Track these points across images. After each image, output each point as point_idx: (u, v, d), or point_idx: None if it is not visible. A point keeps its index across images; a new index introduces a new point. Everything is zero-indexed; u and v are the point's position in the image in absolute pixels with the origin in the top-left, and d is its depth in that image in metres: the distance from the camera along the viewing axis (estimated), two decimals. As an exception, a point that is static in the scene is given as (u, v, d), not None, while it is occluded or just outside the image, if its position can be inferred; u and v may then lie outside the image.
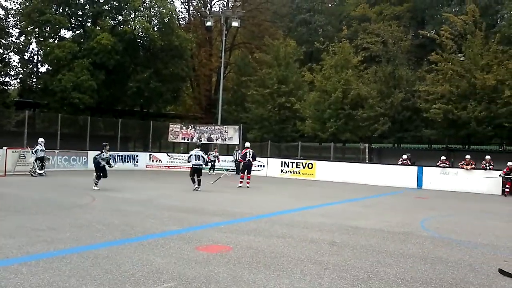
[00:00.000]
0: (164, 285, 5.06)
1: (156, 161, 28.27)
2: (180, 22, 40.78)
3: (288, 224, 9.49)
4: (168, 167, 27.95)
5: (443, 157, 22.20)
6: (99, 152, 15.66)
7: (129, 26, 30.77)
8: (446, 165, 21.91)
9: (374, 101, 28.90)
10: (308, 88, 33.25)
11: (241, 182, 18.16)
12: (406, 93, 29.85)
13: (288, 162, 26.22)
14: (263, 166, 26.67)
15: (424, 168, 22.19)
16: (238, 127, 29.42)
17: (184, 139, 29.83)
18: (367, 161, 26.28)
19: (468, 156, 21.42)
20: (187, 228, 8.63)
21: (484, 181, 20.17)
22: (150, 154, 28.59)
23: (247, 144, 19.42)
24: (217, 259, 6.27)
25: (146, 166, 27.77)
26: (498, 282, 5.67)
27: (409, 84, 30.56)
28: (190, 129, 29.74)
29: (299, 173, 25.64)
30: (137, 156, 28.06)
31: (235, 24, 31.87)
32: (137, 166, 27.45)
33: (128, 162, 27.13)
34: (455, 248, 7.77)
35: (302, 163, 25.73)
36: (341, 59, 30.11)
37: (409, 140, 31.06)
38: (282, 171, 26.19)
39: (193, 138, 29.15)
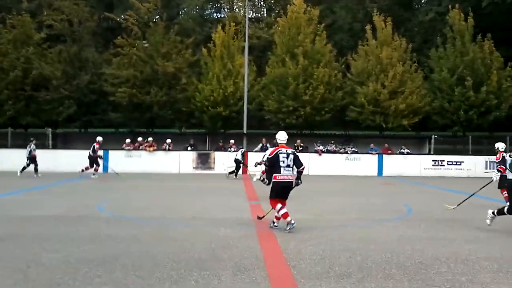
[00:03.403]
0: None
1: None
2: None
3: None
4: None
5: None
6: None
7: None
8: (131, 148, 22.90)
9: (59, 82, 27.43)
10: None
11: None
12: (93, 75, 29.45)
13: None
14: None
15: (109, 151, 22.54)
16: None
17: None
18: (50, 147, 24.78)
19: (150, 139, 22.95)
20: None
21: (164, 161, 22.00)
22: None
23: None
24: None
25: None
26: (157, 250, 6.25)
27: (95, 67, 30.21)
28: None
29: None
30: None
31: None
32: None
33: None
34: (126, 225, 8.20)
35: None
36: (21, 34, 27.31)
37: (96, 123, 30.85)
38: None
39: None
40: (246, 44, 26.46)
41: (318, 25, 28.09)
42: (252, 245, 6.52)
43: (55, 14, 32.20)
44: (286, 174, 7.52)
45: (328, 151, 23.93)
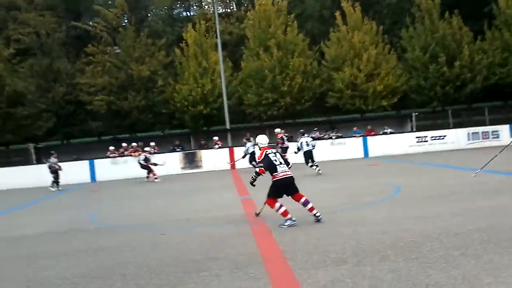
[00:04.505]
0: None
1: None
2: None
3: None
4: None
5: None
6: None
7: None
8: (116, 155, 22.72)
9: (34, 96, 27.07)
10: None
11: None
12: (68, 86, 29.12)
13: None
14: None
15: (95, 160, 22.35)
16: None
17: None
18: (34, 162, 24.44)
19: (134, 144, 22.80)
20: None
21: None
22: None
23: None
24: None
25: None
26: (152, 256, 6.26)
27: (69, 77, 29.86)
28: None
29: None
30: None
31: None
32: None
33: None
34: (120, 234, 8.16)
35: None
36: (-11, 52, 26.81)
37: (77, 134, 30.54)
38: None
39: None
40: (219, 41, 26.41)
41: (288, 16, 28.16)
42: (247, 242, 6.57)
43: (21, 27, 31.67)
44: (283, 170, 7.51)
45: (312, 139, 24.03)
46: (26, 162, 24.91)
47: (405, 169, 16.53)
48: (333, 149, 23.39)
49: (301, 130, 18.84)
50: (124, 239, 7.58)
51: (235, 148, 23.03)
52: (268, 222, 7.77)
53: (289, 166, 7.80)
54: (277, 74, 26.26)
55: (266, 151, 7.66)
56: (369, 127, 25.13)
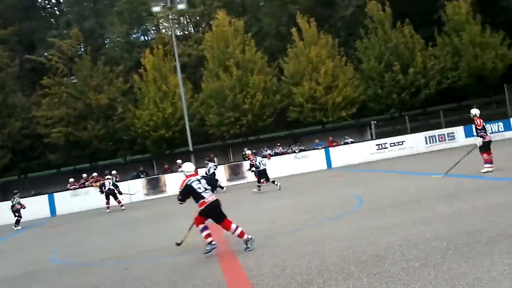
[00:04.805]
0: None
1: None
2: None
3: None
4: None
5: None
6: None
7: None
8: (76, 186, 22.14)
9: (-12, 133, 26.20)
10: None
11: None
12: (23, 120, 28.31)
13: None
14: None
15: (55, 194, 21.69)
16: None
17: None
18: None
19: (95, 174, 22.30)
20: None
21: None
22: None
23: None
24: None
25: None
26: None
27: (25, 111, 29.05)
28: None
29: None
30: None
31: None
32: None
33: None
34: (84, 272, 7.85)
35: None
36: None
37: (35, 168, 29.65)
38: None
39: None
40: (177, 64, 26.36)
41: (246, 35, 28.46)
42: (213, 269, 6.47)
43: (-28, 62, 30.68)
44: (208, 195, 7.48)
45: (276, 154, 24.21)
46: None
47: (366, 178, 16.77)
48: (297, 163, 23.59)
49: (253, 151, 19.54)
50: (87, 278, 7.31)
51: (198, 170, 22.79)
52: (233, 247, 7.69)
53: (217, 183, 7.84)
54: (237, 93, 26.38)
55: (190, 179, 7.62)
56: (330, 138, 25.50)
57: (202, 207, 7.41)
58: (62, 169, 30.46)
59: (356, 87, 27.59)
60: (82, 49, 31.62)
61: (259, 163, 16.90)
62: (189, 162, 8.16)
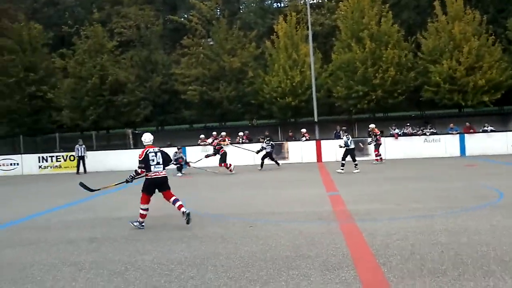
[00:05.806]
0: None
1: None
2: None
3: (42, 228, 8.73)
4: None
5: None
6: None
7: None
8: (206, 143, 23.44)
9: (133, 86, 28.91)
10: (62, 75, 30.90)
11: None
12: (164, 76, 30.67)
13: (47, 157, 24.12)
14: (17, 164, 23.95)
15: (187, 147, 23.23)
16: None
17: None
18: (132, 147, 26.14)
19: (223, 133, 23.35)
20: None
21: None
22: None
23: None
24: None
25: None
26: (243, 249, 6.37)
27: (165, 68, 31.43)
28: None
29: (60, 167, 23.87)
30: None
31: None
32: None
33: None
34: (211, 223, 8.36)
35: (63, 156, 24.01)
36: (95, 44, 28.97)
37: (171, 122, 32.15)
38: (40, 167, 23.95)
39: None
40: (310, 33, 26.08)
41: (383, 6, 27.07)
42: (337, 241, 6.45)
43: (123, 21, 33.76)
44: (156, 171, 7.99)
45: (404, 134, 23.11)
46: (124, 146, 26.81)
47: (507, 171, 15.26)
48: (427, 146, 22.31)
49: (344, 128, 20.10)
50: (215, 229, 7.77)
51: (322, 141, 22.79)
52: (358, 222, 7.58)
53: (170, 163, 8.42)
54: (369, 66, 25.46)
55: (148, 150, 8.08)
56: (467, 124, 23.58)
57: (147, 178, 8.03)
58: (194, 125, 32.57)
59: (503, 70, 24.87)
60: (219, 13, 32.93)
61: (350, 142, 16.45)
62: (148, 133, 8.49)
